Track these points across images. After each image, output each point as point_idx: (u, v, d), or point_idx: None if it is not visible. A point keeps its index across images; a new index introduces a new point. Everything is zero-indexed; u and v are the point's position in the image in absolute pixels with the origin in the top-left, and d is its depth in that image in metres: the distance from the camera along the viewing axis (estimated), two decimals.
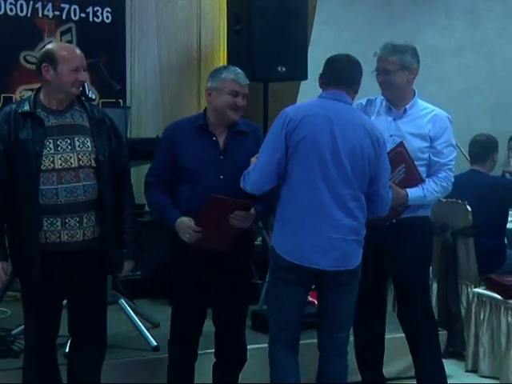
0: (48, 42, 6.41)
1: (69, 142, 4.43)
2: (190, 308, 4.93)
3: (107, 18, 6.68)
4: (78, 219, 4.43)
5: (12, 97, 6.39)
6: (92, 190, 4.44)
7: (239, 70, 4.84)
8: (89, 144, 4.47)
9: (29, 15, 6.42)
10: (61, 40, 6.34)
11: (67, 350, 4.94)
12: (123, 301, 5.59)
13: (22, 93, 6.30)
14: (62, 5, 6.50)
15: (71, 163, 4.41)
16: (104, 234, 4.54)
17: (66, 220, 4.40)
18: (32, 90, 6.15)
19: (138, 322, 5.64)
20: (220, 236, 4.62)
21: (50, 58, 4.44)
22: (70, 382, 4.73)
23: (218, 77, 4.83)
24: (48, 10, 6.47)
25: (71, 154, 4.42)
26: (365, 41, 8.11)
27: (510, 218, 6.66)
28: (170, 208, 4.68)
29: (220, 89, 4.78)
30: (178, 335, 4.98)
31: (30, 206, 4.32)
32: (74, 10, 6.57)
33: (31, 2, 6.39)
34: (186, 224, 4.61)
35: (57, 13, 6.48)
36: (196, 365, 5.05)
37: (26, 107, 4.40)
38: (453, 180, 5.02)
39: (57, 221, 4.39)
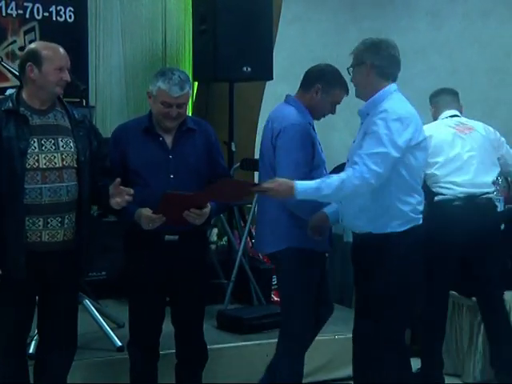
0: (12, 41, 6.42)
1: (53, 142, 4.43)
2: (146, 308, 4.95)
3: (70, 17, 6.67)
4: (60, 219, 4.44)
5: None
6: (74, 190, 4.45)
7: (176, 79, 4.73)
8: (71, 145, 4.48)
9: None
10: (24, 39, 6.31)
11: (31, 350, 4.93)
12: (87, 301, 5.56)
13: None
14: (26, 4, 6.48)
15: (55, 163, 4.41)
16: (81, 235, 4.54)
17: (48, 220, 4.40)
18: None
19: (103, 322, 5.61)
20: (178, 222, 4.63)
21: (34, 57, 4.43)
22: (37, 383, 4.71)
23: (154, 83, 4.79)
24: (11, 9, 6.45)
25: (55, 154, 4.42)
26: (330, 41, 8.14)
27: None
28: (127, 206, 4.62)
29: (154, 96, 4.79)
30: (137, 335, 4.99)
31: (15, 204, 4.31)
32: (38, 8, 6.55)
33: None
34: (144, 214, 4.58)
35: (20, 11, 6.46)
36: (159, 365, 5.05)
37: (9, 105, 4.39)
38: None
39: (39, 220, 4.38)
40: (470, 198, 5.73)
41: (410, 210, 4.58)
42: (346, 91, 5.04)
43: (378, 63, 4.75)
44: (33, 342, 4.99)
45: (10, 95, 4.52)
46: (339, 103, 5.00)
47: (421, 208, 4.68)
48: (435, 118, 6.07)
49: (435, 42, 8.08)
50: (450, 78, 8.02)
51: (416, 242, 4.61)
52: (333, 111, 5.07)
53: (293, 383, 4.89)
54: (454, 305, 6.26)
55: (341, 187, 4.42)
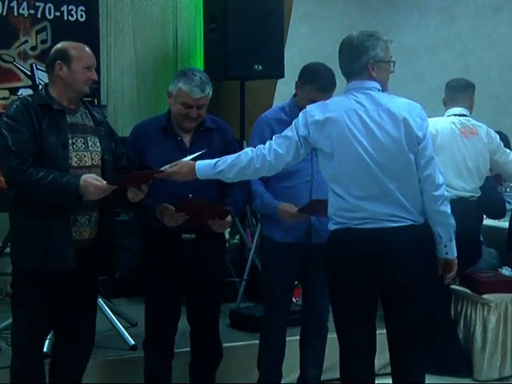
0: (24, 41, 6.44)
1: (83, 141, 4.48)
2: (162, 307, 4.95)
3: (81, 16, 6.64)
4: (88, 217, 4.48)
5: None
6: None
7: (197, 80, 4.74)
8: (98, 144, 4.53)
9: (4, 14, 6.37)
10: (36, 38, 6.32)
11: (45, 349, 4.91)
12: (101, 300, 5.55)
13: None
14: (37, 3, 6.45)
15: (85, 161, 4.46)
16: (106, 234, 4.58)
17: (78, 218, 4.43)
18: (7, 88, 6.16)
19: (116, 322, 5.64)
20: (198, 222, 4.66)
21: (63, 56, 4.47)
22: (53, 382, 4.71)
23: (175, 83, 4.81)
24: (23, 9, 6.43)
25: (85, 153, 4.47)
26: (340, 39, 8.04)
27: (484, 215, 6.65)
28: (146, 200, 4.63)
29: (175, 96, 4.80)
30: (152, 334, 5.00)
31: None
32: (49, 8, 6.53)
33: (6, 1, 6.32)
34: (167, 211, 4.60)
35: (32, 11, 6.44)
36: (173, 363, 5.06)
37: (41, 101, 4.42)
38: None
39: (77, 217, 4.44)
40: (459, 201, 5.83)
41: None
42: (319, 88, 4.94)
43: None
44: (47, 341, 4.97)
45: (38, 92, 4.55)
46: (314, 100, 4.80)
47: None
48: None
49: (446, 39, 8.07)
50: (462, 75, 7.99)
51: None
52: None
53: None
54: (467, 302, 6.23)
55: (235, 162, 4.37)
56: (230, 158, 4.40)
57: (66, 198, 4.29)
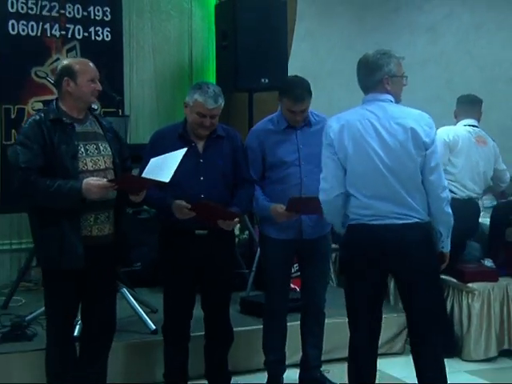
0: (56, 59, 6.45)
1: (95, 146, 4.50)
2: (179, 295, 4.97)
3: (107, 36, 6.68)
4: (107, 214, 4.51)
5: (24, 108, 6.38)
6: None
7: (211, 93, 4.77)
8: (109, 149, 4.55)
9: (38, 35, 6.41)
10: (66, 56, 6.34)
11: (76, 333, 4.94)
12: (125, 289, 5.57)
13: (34, 104, 6.30)
14: (68, 25, 6.50)
15: (100, 165, 4.47)
16: (121, 229, 4.63)
17: (98, 216, 4.46)
18: (42, 101, 6.19)
19: (139, 308, 5.63)
20: (209, 221, 4.70)
21: (69, 72, 4.47)
22: (81, 364, 4.72)
23: (191, 95, 4.83)
24: (55, 30, 6.47)
25: (99, 158, 4.48)
26: (338, 55, 8.14)
27: None
28: (162, 197, 4.70)
29: (191, 107, 4.82)
30: (170, 320, 5.02)
31: None
32: (78, 29, 6.57)
33: (40, 23, 6.38)
34: (181, 205, 4.63)
35: (63, 32, 6.47)
36: (190, 346, 5.07)
37: (54, 116, 4.43)
38: None
39: (91, 216, 4.44)
40: (469, 200, 6.02)
41: None
42: (294, 99, 4.98)
43: None
44: (77, 326, 4.99)
45: (49, 107, 4.56)
46: (292, 112, 4.99)
47: None
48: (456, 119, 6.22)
49: (433, 55, 8.08)
50: (447, 87, 8.03)
51: None
52: (294, 119, 5.05)
53: None
54: (454, 290, 6.24)
55: None
56: None
57: (71, 202, 4.32)
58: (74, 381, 4.72)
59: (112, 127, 4.74)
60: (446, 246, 4.48)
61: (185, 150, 4.52)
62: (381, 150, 4.34)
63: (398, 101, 4.55)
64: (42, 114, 4.47)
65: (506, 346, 6.13)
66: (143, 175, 4.44)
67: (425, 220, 4.38)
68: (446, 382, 4.44)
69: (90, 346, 4.73)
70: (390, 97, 4.49)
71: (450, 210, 4.39)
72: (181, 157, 4.45)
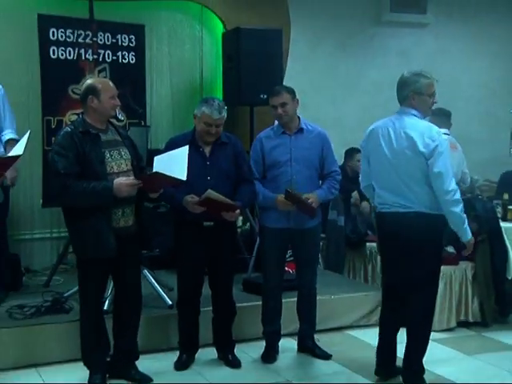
0: (88, 77, 6.43)
1: (117, 152, 4.52)
2: (191, 276, 5.01)
3: (132, 59, 6.66)
4: (131, 208, 4.55)
5: (62, 119, 6.37)
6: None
7: (216, 105, 4.82)
8: (128, 153, 4.57)
9: (75, 58, 6.40)
10: (98, 76, 6.33)
11: (105, 307, 5.00)
12: (146, 271, 5.56)
13: (70, 116, 6.29)
14: (99, 50, 6.50)
15: (123, 168, 4.51)
16: (141, 220, 4.65)
17: (124, 209, 4.49)
18: (77, 113, 6.19)
19: (157, 287, 5.62)
20: (214, 213, 4.73)
21: (93, 91, 4.48)
22: (121, 338, 4.78)
23: (199, 107, 4.87)
24: (89, 55, 6.46)
25: (122, 161, 4.51)
26: (325, 74, 8.15)
27: None
28: (175, 193, 4.71)
29: (199, 118, 4.86)
30: (183, 297, 5.06)
31: None
32: (108, 54, 6.56)
33: (76, 49, 6.39)
34: (191, 200, 4.66)
35: (95, 56, 6.46)
36: (200, 319, 5.12)
37: (82, 128, 4.44)
38: None
39: (119, 211, 4.47)
40: None
41: None
42: (272, 94, 5.15)
43: None
44: (106, 301, 5.03)
45: (76, 121, 4.57)
46: (274, 107, 5.11)
47: None
48: None
49: None
50: None
51: None
52: (277, 113, 5.11)
53: None
54: None
55: None
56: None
57: (104, 199, 4.34)
58: (107, 350, 4.77)
59: (128, 135, 4.77)
60: (462, 236, 4.55)
61: (187, 147, 4.53)
62: (388, 152, 4.56)
63: (424, 115, 4.64)
64: (72, 127, 4.49)
65: (462, 318, 6.13)
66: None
67: (425, 211, 4.47)
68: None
69: (121, 319, 4.77)
70: (414, 111, 4.55)
71: (456, 210, 4.42)
72: (186, 154, 4.46)
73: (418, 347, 4.67)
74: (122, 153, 4.55)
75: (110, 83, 4.63)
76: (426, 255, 4.55)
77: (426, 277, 4.63)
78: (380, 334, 4.89)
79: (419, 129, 4.46)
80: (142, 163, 4.73)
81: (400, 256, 4.62)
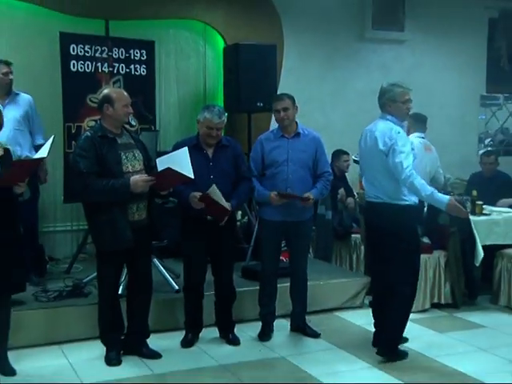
0: (104, 88, 6.43)
1: (132, 154, 4.55)
2: (195, 264, 5.00)
3: (143, 71, 6.65)
4: (144, 203, 4.57)
5: (81, 125, 6.36)
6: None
7: (216, 111, 4.84)
8: (140, 155, 4.60)
9: (92, 71, 6.40)
10: (113, 87, 6.32)
11: (120, 292, 4.97)
12: (156, 260, 5.56)
13: (88, 122, 6.29)
14: (114, 64, 6.50)
15: (137, 167, 4.53)
16: (152, 214, 4.67)
17: (139, 204, 4.52)
18: (94, 120, 6.22)
19: (165, 274, 5.63)
20: (210, 210, 4.75)
21: (108, 100, 4.51)
22: (134, 318, 4.81)
23: (202, 113, 4.88)
24: (105, 67, 6.46)
25: (135, 162, 4.54)
26: (314, 84, 8.15)
27: None
28: (184, 190, 4.72)
29: (202, 122, 4.86)
30: (189, 283, 5.06)
31: None
32: (122, 67, 6.55)
33: (94, 62, 6.38)
34: (194, 196, 4.67)
35: (110, 69, 6.46)
36: (204, 302, 5.13)
37: (101, 133, 4.46)
38: None
39: (134, 205, 4.49)
40: None
41: None
42: (275, 99, 5.14)
43: None
44: (120, 287, 5.01)
45: (94, 127, 4.61)
46: (277, 111, 5.08)
47: None
48: (408, 131, 6.09)
49: None
50: None
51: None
52: (279, 117, 5.08)
53: None
54: None
55: None
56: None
57: (122, 195, 4.37)
58: (121, 329, 4.79)
59: (139, 138, 4.80)
60: (440, 206, 4.58)
61: (185, 148, 4.57)
62: (364, 151, 4.80)
63: (401, 120, 4.73)
64: (92, 132, 4.53)
65: (436, 300, 6.13)
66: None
67: (391, 202, 4.62)
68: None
69: (134, 303, 4.79)
70: (389, 116, 4.67)
71: (415, 184, 4.49)
72: (187, 154, 4.51)
73: (391, 323, 4.80)
74: (136, 154, 4.57)
75: (124, 93, 4.64)
76: (395, 241, 4.62)
77: (397, 261, 4.68)
78: (372, 314, 5.04)
79: (382, 130, 4.60)
80: (151, 163, 4.71)
81: (374, 240, 4.84)
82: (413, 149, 4.69)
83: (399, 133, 4.59)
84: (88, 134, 4.50)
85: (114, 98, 4.50)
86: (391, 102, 4.65)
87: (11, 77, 5.67)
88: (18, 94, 5.78)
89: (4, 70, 5.62)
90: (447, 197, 4.57)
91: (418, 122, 6.38)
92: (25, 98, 5.83)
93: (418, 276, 4.94)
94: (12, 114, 5.57)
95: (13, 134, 5.52)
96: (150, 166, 4.66)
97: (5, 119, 5.27)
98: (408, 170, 4.48)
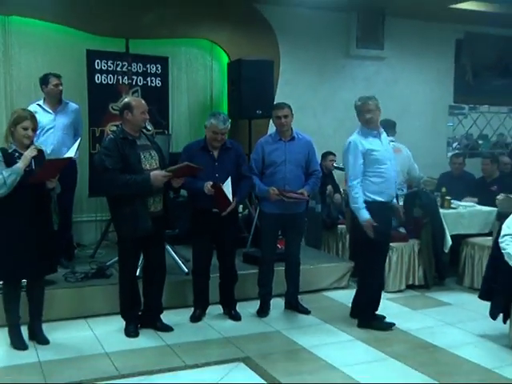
0: (124, 97, 6.43)
1: (149, 154, 4.53)
2: (202, 250, 4.99)
3: (158, 83, 6.67)
4: (160, 197, 4.56)
5: (104, 129, 6.37)
6: None
7: (221, 118, 4.83)
8: (156, 155, 4.57)
9: (114, 83, 6.42)
10: (132, 96, 6.33)
11: (137, 274, 4.95)
12: (168, 246, 5.56)
13: (110, 127, 6.29)
14: (133, 76, 6.51)
15: (153, 166, 4.52)
16: (167, 206, 4.65)
17: (155, 198, 4.51)
18: (115, 125, 6.22)
19: (177, 258, 5.63)
20: (218, 201, 4.76)
21: (128, 107, 4.51)
22: (150, 296, 4.80)
23: (209, 119, 4.87)
24: (125, 80, 6.47)
25: (152, 161, 4.53)
26: (307, 95, 8.13)
27: None
28: (196, 181, 4.72)
29: (208, 128, 4.84)
30: (197, 266, 5.05)
31: None
32: (140, 79, 6.56)
33: (115, 75, 6.40)
34: (208, 183, 4.69)
35: (129, 81, 6.47)
36: (210, 283, 5.13)
37: (122, 135, 4.47)
38: None
39: (151, 199, 4.48)
40: None
41: None
42: (276, 107, 5.10)
43: None
44: (138, 269, 4.99)
45: (118, 129, 4.59)
46: (278, 117, 5.03)
47: None
48: None
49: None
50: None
51: None
52: (280, 123, 5.04)
53: None
54: None
55: None
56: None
57: (144, 188, 4.38)
58: (139, 306, 4.79)
59: (155, 141, 4.76)
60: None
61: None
62: None
63: (369, 128, 4.76)
64: (115, 134, 4.52)
65: (410, 282, 6.12)
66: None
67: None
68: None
69: (150, 283, 4.78)
70: (359, 128, 4.80)
71: (350, 194, 4.72)
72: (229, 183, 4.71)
73: (362, 297, 4.97)
74: (152, 154, 4.55)
75: (142, 101, 4.62)
76: (362, 232, 4.71)
77: (366, 248, 4.77)
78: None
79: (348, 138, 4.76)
80: (165, 162, 4.71)
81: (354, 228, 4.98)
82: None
83: (350, 143, 4.73)
84: (112, 136, 4.50)
85: (133, 106, 4.49)
86: (358, 112, 4.77)
87: (61, 87, 5.68)
88: (67, 103, 5.81)
89: (55, 81, 5.63)
90: (367, 217, 4.64)
91: (388, 127, 6.34)
92: (73, 106, 5.86)
93: (380, 263, 4.99)
94: (61, 120, 5.65)
95: (62, 138, 5.60)
96: (164, 165, 4.65)
97: (56, 124, 5.49)
98: (350, 181, 4.68)
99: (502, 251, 4.46)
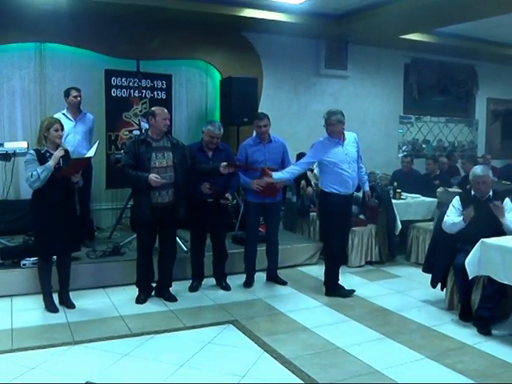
0: (135, 108, 6.41)
1: (162, 154, 4.45)
2: (198, 233, 4.98)
3: (163, 96, 6.63)
4: (167, 191, 4.46)
5: (118, 134, 6.34)
6: (171, 176, 4.45)
7: (217, 125, 4.81)
8: (171, 155, 4.46)
9: (127, 96, 6.39)
10: (141, 107, 6.34)
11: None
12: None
13: (123, 132, 6.28)
14: (142, 90, 6.48)
15: (163, 164, 4.44)
16: (177, 199, 4.53)
17: (160, 192, 4.43)
18: (128, 130, 6.18)
19: (178, 240, 5.53)
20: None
21: (152, 114, 4.50)
22: (161, 272, 4.79)
23: (206, 126, 4.85)
24: (136, 93, 6.43)
25: (163, 160, 4.44)
26: (284, 107, 8.13)
27: None
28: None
29: (206, 133, 4.81)
30: (194, 246, 5.04)
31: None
32: (148, 92, 6.52)
33: (128, 90, 6.37)
34: (204, 184, 4.71)
35: (140, 94, 6.44)
36: (205, 260, 5.12)
37: (142, 137, 4.45)
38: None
39: (156, 192, 4.41)
40: None
41: None
42: (258, 118, 5.02)
43: None
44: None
45: (143, 133, 4.59)
46: (258, 126, 5.01)
47: None
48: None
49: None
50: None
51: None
52: (260, 131, 5.02)
53: None
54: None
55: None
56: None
57: (141, 184, 4.36)
58: (152, 278, 4.78)
59: (179, 143, 4.61)
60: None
61: None
62: None
63: (332, 137, 4.73)
64: (136, 137, 4.53)
65: (369, 259, 6.15)
66: None
67: (322, 189, 4.83)
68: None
69: (162, 259, 4.75)
70: (326, 134, 4.77)
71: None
72: None
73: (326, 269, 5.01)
74: (165, 154, 4.47)
75: (165, 110, 4.56)
76: (324, 218, 4.87)
77: (325, 231, 4.92)
78: None
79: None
80: (189, 161, 4.60)
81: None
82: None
83: (313, 145, 4.78)
84: (133, 138, 4.53)
85: (156, 113, 4.47)
86: (325, 123, 4.75)
87: (79, 98, 5.68)
88: (85, 114, 5.79)
89: (74, 93, 5.63)
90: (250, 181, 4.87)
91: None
92: (89, 117, 5.84)
93: (336, 245, 4.96)
94: (81, 127, 5.66)
95: (81, 142, 5.60)
96: (184, 163, 4.56)
97: (76, 130, 5.50)
98: (299, 162, 4.89)
99: (443, 226, 4.49)
